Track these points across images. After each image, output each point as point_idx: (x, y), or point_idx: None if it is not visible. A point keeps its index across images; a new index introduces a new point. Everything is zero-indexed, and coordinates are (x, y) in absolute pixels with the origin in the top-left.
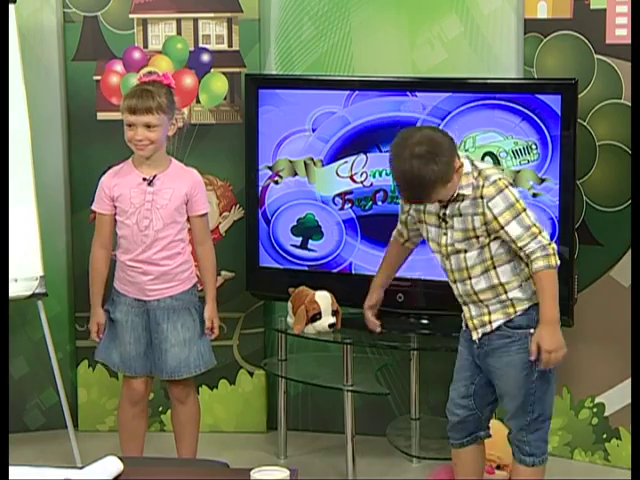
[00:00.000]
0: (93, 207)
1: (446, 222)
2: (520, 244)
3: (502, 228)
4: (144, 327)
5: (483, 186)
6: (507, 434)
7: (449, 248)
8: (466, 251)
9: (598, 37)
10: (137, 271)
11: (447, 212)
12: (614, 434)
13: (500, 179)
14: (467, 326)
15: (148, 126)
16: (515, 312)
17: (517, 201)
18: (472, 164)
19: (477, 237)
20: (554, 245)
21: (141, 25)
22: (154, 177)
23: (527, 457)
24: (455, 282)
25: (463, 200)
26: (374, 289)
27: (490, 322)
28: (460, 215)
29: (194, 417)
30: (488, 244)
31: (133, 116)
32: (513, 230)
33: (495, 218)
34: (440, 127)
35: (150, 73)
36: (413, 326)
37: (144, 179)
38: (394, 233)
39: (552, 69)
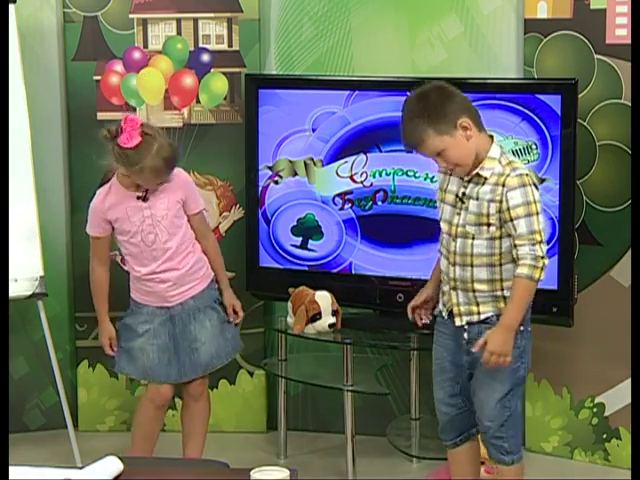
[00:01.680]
0: (88, 231)
1: (462, 202)
2: (517, 242)
3: (511, 221)
4: (167, 334)
5: (508, 175)
6: (482, 436)
7: (459, 229)
8: (474, 237)
9: (598, 37)
10: (155, 281)
11: (466, 192)
12: (614, 434)
13: (527, 175)
14: (452, 315)
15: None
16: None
17: (535, 202)
18: (502, 153)
19: (488, 225)
20: (546, 261)
21: (141, 25)
22: (146, 192)
23: (506, 455)
24: (454, 265)
25: (484, 184)
26: (426, 286)
27: (478, 313)
28: (477, 199)
29: (205, 415)
30: (499, 238)
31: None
32: (519, 227)
33: (508, 209)
34: None
35: (126, 132)
36: (413, 326)
37: (138, 197)
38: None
39: (552, 69)
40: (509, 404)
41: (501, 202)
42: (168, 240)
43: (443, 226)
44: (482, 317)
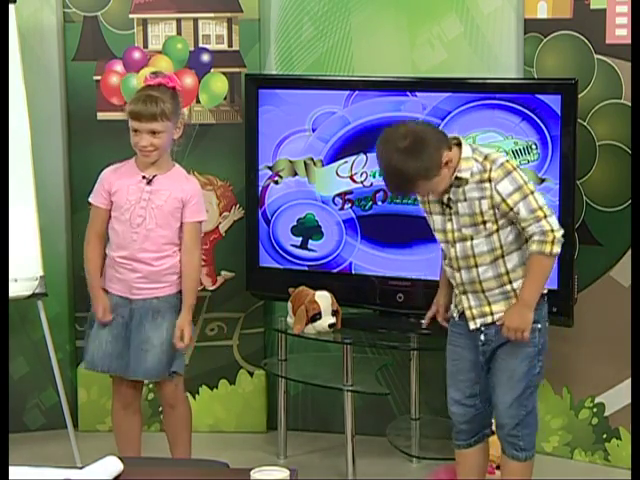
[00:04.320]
0: (90, 199)
1: (450, 207)
2: (523, 225)
3: (511, 209)
4: (123, 326)
5: (491, 169)
6: (497, 431)
7: (456, 234)
8: (472, 238)
9: (598, 37)
10: (126, 268)
11: (451, 197)
12: (614, 434)
13: (507, 161)
14: (463, 317)
15: (153, 132)
16: None
17: (525, 183)
18: (474, 150)
19: (484, 222)
20: (558, 233)
21: (141, 25)
22: (154, 176)
23: (520, 452)
24: (459, 270)
25: (467, 184)
26: (438, 295)
27: (492, 313)
28: (465, 200)
29: (185, 421)
30: (497, 231)
31: (138, 123)
32: (520, 212)
33: (504, 200)
34: (440, 126)
35: (155, 74)
36: (413, 326)
37: (143, 177)
38: None
39: (552, 69)
40: (526, 402)
41: (492, 197)
42: (153, 230)
43: (438, 236)
44: (495, 317)
